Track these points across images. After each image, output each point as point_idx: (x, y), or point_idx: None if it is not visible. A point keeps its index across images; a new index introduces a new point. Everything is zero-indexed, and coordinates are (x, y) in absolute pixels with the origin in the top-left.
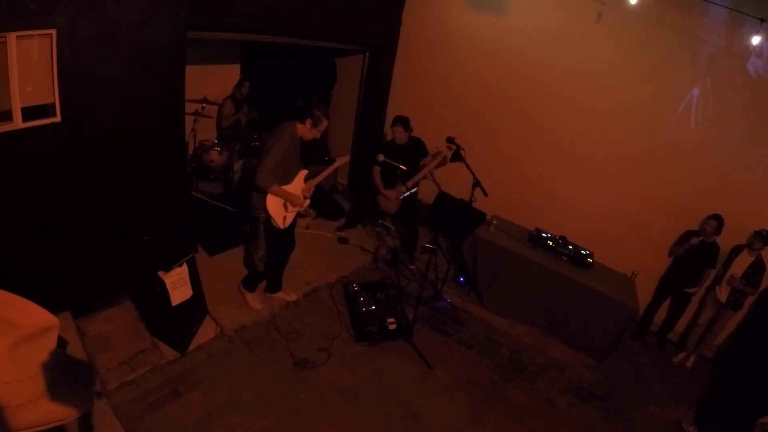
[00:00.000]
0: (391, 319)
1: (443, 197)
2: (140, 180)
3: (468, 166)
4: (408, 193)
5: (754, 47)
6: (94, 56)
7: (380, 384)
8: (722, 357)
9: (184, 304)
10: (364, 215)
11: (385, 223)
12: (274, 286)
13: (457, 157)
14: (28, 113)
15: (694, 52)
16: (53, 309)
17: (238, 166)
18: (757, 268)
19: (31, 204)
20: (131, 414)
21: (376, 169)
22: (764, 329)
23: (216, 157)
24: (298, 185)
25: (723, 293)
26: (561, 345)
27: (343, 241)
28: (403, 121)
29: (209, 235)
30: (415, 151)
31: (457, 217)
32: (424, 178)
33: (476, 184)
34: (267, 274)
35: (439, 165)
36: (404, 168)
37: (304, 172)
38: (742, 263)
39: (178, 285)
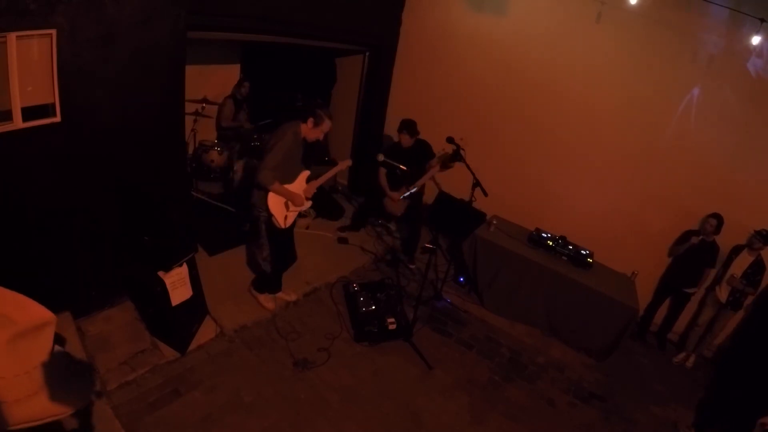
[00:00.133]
0: (391, 319)
1: (443, 197)
2: (140, 180)
3: (468, 166)
4: (408, 193)
5: (754, 47)
6: (94, 56)
7: (380, 384)
8: (722, 357)
9: (184, 304)
10: (370, 218)
11: (385, 223)
12: (278, 286)
13: (457, 157)
14: (28, 113)
15: (694, 52)
16: (53, 309)
17: (238, 166)
18: (757, 268)
19: (31, 204)
20: (131, 414)
21: (382, 170)
22: (764, 329)
23: (216, 157)
24: (300, 186)
25: (723, 293)
26: (561, 345)
27: (343, 241)
28: (409, 128)
29: (209, 235)
30: (421, 154)
31: (457, 217)
32: (429, 179)
33: (476, 184)
34: (273, 274)
35: (445, 167)
36: (404, 168)
37: (306, 173)
38: (742, 263)
39: (178, 285)
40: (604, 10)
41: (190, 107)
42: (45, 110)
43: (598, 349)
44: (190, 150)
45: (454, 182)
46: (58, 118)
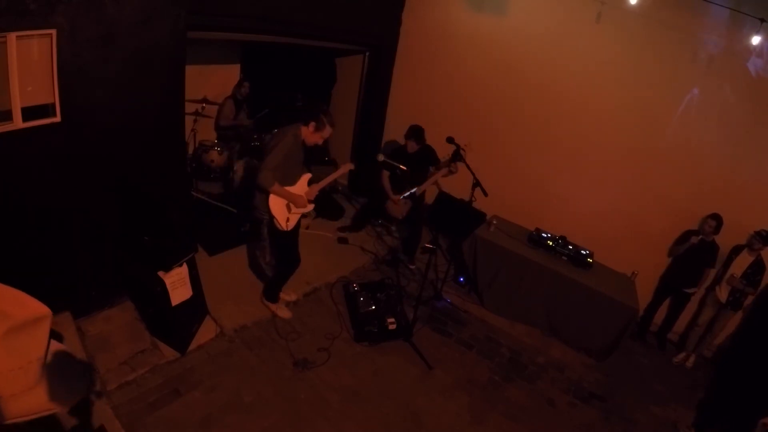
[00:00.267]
0: (391, 319)
1: (443, 197)
2: (140, 180)
3: (468, 166)
4: (408, 193)
5: (754, 47)
6: (94, 56)
7: (380, 384)
8: (722, 357)
9: (184, 304)
10: (371, 219)
11: (386, 224)
12: (270, 295)
13: (457, 157)
14: (28, 113)
15: (694, 52)
16: (53, 309)
17: (238, 166)
18: (757, 268)
19: (31, 204)
20: (131, 414)
21: (385, 173)
22: (764, 329)
23: (216, 157)
24: (301, 188)
25: (723, 293)
26: (561, 345)
27: (343, 241)
28: (417, 136)
29: (209, 235)
30: (425, 159)
31: (457, 217)
32: (434, 183)
33: (476, 184)
34: (279, 278)
35: (449, 173)
36: (404, 168)
37: (307, 176)
38: (742, 263)
39: (178, 285)
40: (604, 10)
41: (190, 107)
42: (45, 110)
43: (598, 349)
44: (190, 150)
45: (454, 182)
46: (58, 118)
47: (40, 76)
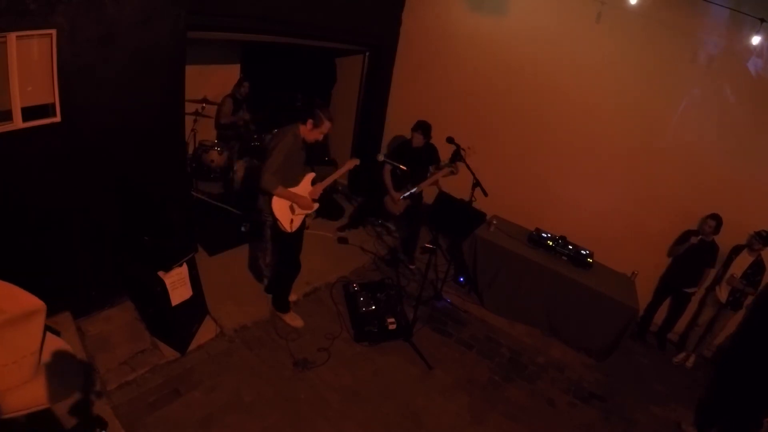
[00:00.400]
0: (391, 319)
1: (443, 197)
2: (140, 180)
3: (468, 166)
4: (408, 193)
5: (754, 47)
6: (94, 56)
7: (380, 384)
8: (722, 357)
9: (184, 304)
10: (368, 217)
11: (385, 223)
12: (276, 285)
13: (457, 157)
14: (28, 113)
15: (694, 52)
16: (53, 309)
17: (238, 166)
18: (756, 268)
19: (31, 204)
20: (131, 414)
21: (387, 168)
22: (764, 329)
23: (216, 157)
24: (305, 188)
25: (723, 293)
26: (561, 345)
27: (343, 241)
28: (424, 130)
29: (209, 235)
30: (427, 157)
31: (457, 217)
32: (434, 184)
33: (476, 184)
34: (279, 280)
35: (449, 173)
36: (404, 168)
37: (311, 175)
38: (742, 263)
39: (178, 285)
40: (604, 10)
41: (190, 107)
42: (45, 110)
43: (598, 349)
44: (190, 150)
45: (454, 182)
46: (58, 118)
47: (40, 76)
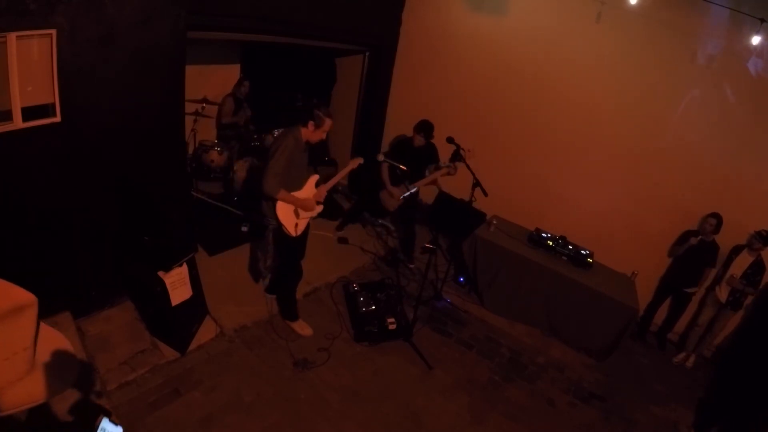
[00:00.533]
0: (391, 319)
1: (443, 197)
2: (140, 180)
3: (468, 166)
4: (408, 193)
5: (754, 47)
6: (94, 56)
7: (380, 384)
8: (722, 357)
9: (184, 304)
10: (363, 214)
11: (385, 223)
12: (277, 288)
13: (457, 157)
14: (28, 113)
15: (694, 52)
16: (53, 309)
17: (238, 166)
18: (756, 268)
19: (31, 204)
20: (131, 414)
21: (385, 165)
22: (764, 329)
23: (216, 157)
24: (309, 191)
25: (723, 293)
26: (561, 345)
27: (343, 241)
28: (426, 131)
29: (209, 235)
30: (426, 156)
31: (457, 217)
32: (430, 183)
33: (476, 184)
34: (282, 287)
35: (447, 174)
36: (404, 168)
37: (315, 177)
38: (741, 263)
39: (178, 285)
40: (604, 10)
41: (190, 107)
42: (45, 110)
43: (598, 349)
44: (190, 150)
45: (454, 182)
46: (58, 118)
47: (40, 76)
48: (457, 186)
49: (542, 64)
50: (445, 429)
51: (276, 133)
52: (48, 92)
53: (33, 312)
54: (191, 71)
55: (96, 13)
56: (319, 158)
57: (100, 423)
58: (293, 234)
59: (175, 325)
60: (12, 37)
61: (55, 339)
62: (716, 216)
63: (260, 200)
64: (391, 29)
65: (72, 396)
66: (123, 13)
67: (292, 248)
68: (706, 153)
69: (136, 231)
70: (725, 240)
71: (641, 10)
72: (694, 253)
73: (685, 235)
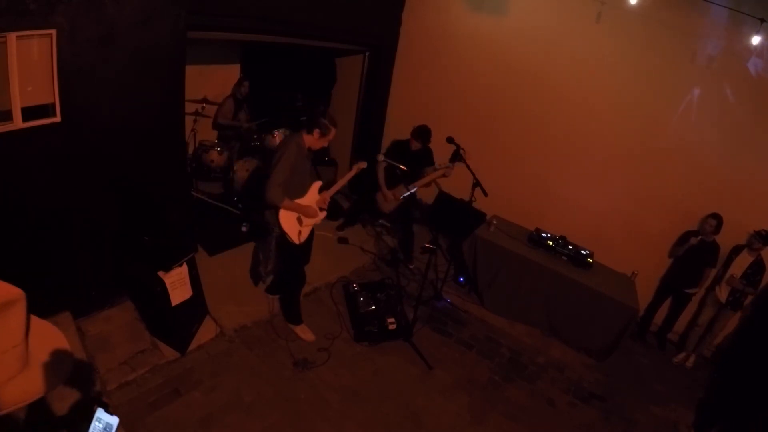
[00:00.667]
0: (391, 319)
1: (443, 197)
2: (140, 180)
3: (468, 166)
4: (408, 193)
5: (754, 47)
6: (94, 56)
7: (380, 384)
8: (722, 357)
9: (184, 304)
10: (363, 214)
11: (385, 223)
12: (278, 290)
13: (457, 157)
14: (28, 113)
15: (694, 52)
16: (53, 309)
17: (238, 166)
18: (756, 268)
19: (31, 204)
20: (131, 414)
21: (381, 165)
22: (764, 329)
23: (216, 157)
24: (312, 197)
25: (723, 293)
26: (561, 345)
27: (343, 241)
28: (423, 137)
29: (209, 235)
30: (423, 159)
31: (457, 217)
32: (427, 185)
33: (476, 184)
34: (286, 293)
35: (443, 175)
36: (404, 168)
37: (318, 184)
38: (741, 263)
39: (178, 285)
40: (604, 10)
41: (190, 107)
42: (45, 110)
43: (598, 349)
44: (190, 150)
45: (454, 182)
46: (58, 118)
47: (40, 76)
48: (457, 186)
49: (542, 64)
50: (445, 429)
51: (276, 133)
52: (48, 92)
53: (21, 307)
54: (191, 71)
55: (96, 13)
56: (319, 158)
57: (95, 413)
58: (297, 242)
59: (175, 325)
60: (12, 37)
61: (46, 332)
62: (716, 217)
63: (263, 209)
64: (391, 29)
65: (72, 395)
66: (123, 13)
67: (295, 256)
68: (706, 153)
69: (136, 231)
70: (725, 240)
71: (641, 10)
72: (694, 254)
73: (686, 236)
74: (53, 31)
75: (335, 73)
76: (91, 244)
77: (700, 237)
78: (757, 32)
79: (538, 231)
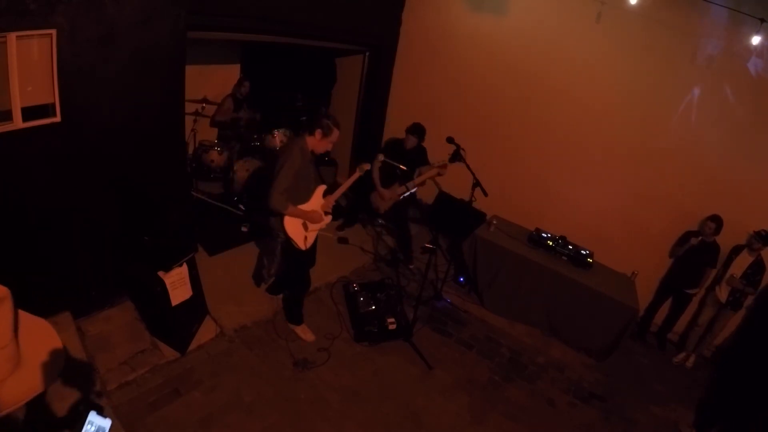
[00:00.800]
0: (391, 319)
1: (443, 197)
2: (140, 180)
3: (468, 166)
4: (408, 193)
5: (754, 47)
6: (94, 56)
7: (380, 384)
8: (722, 357)
9: (184, 304)
10: (361, 213)
11: (385, 223)
12: (279, 291)
13: (457, 157)
14: (28, 113)
15: (694, 52)
16: (53, 309)
17: (238, 166)
18: (756, 268)
19: (31, 204)
20: (131, 414)
21: (376, 164)
22: (764, 329)
23: (216, 157)
24: (317, 202)
25: (723, 293)
26: (561, 345)
27: (343, 241)
28: (419, 133)
29: (209, 235)
30: (417, 157)
31: (457, 217)
32: (421, 184)
33: (476, 184)
34: (290, 296)
35: (437, 175)
36: (404, 168)
37: (322, 188)
38: (741, 263)
39: (178, 285)
40: (604, 10)
41: (190, 107)
42: (45, 110)
43: (598, 349)
44: (190, 150)
45: (454, 182)
46: (58, 118)
47: (40, 76)
48: (457, 186)
49: (542, 64)
50: (445, 429)
51: (276, 133)
52: (48, 92)
53: (7, 307)
54: (191, 71)
55: (96, 13)
56: (319, 159)
57: (87, 415)
58: (303, 248)
59: (175, 325)
60: (12, 37)
61: (35, 327)
62: (716, 219)
63: (267, 215)
64: (391, 29)
65: (72, 395)
66: (123, 13)
67: (301, 261)
68: (706, 153)
69: (136, 231)
70: (725, 240)
71: (641, 10)
72: (694, 254)
73: (686, 236)
74: (53, 31)
75: (335, 73)
76: (91, 244)
77: (700, 237)
78: (757, 32)
79: (538, 231)
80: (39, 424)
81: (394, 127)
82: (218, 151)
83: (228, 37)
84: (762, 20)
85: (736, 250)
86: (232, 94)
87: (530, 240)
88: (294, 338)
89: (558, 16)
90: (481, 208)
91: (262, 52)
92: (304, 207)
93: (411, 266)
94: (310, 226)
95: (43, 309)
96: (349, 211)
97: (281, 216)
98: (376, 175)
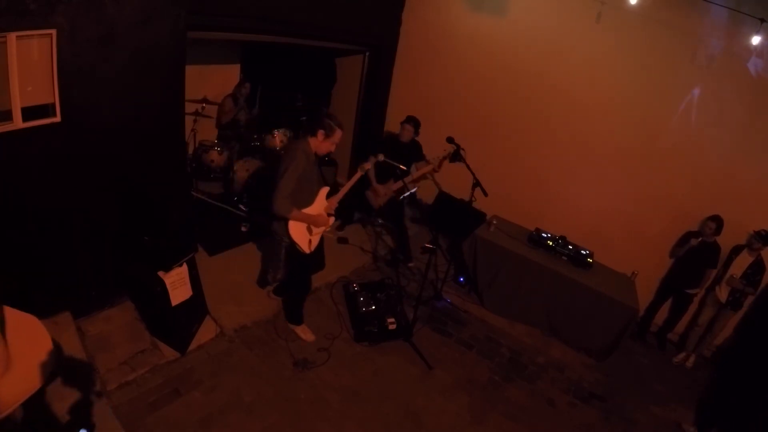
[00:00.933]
0: (391, 319)
1: (443, 197)
2: (140, 180)
3: (468, 166)
4: (409, 193)
5: (754, 47)
6: (94, 56)
7: (380, 384)
8: (722, 357)
9: (184, 304)
10: (356, 211)
11: (385, 223)
12: (283, 293)
13: (457, 156)
14: (28, 113)
15: (694, 52)
16: (53, 309)
17: (238, 166)
18: (756, 268)
19: (31, 204)
20: (131, 414)
21: (371, 161)
22: (764, 329)
23: (216, 157)
24: (320, 205)
25: (723, 293)
26: (561, 345)
27: (343, 241)
28: (415, 123)
29: (209, 235)
30: (412, 153)
31: (457, 217)
32: (423, 178)
33: (476, 184)
34: (290, 298)
35: (433, 171)
36: (404, 168)
37: (325, 190)
38: (741, 263)
39: (178, 285)
40: (604, 10)
41: (190, 107)
42: (45, 110)
43: (598, 349)
44: (190, 150)
45: (454, 182)
46: (58, 118)
47: (40, 76)
48: (457, 186)
49: (542, 64)
50: (445, 429)
51: (276, 133)
52: (48, 92)
53: None
54: (191, 71)
55: (96, 13)
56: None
57: None
58: (307, 251)
59: (175, 325)
60: (12, 37)
61: (25, 325)
62: (716, 219)
63: (271, 219)
64: (391, 29)
65: (71, 395)
66: (123, 13)
67: (305, 265)
68: (706, 153)
69: (136, 231)
70: (725, 240)
71: (641, 10)
72: (695, 254)
73: (686, 236)
74: (53, 31)
75: (335, 73)
76: (91, 244)
77: (700, 238)
78: (757, 32)
79: (538, 231)
80: (39, 424)
81: (394, 128)
82: (218, 151)
83: (228, 37)
84: (762, 20)
85: (736, 250)
86: (233, 94)
87: (530, 240)
88: (294, 338)
89: (558, 16)
90: (481, 208)
91: (262, 52)
92: (309, 210)
93: (410, 264)
94: (315, 229)
95: (43, 309)
96: (346, 209)
97: (285, 221)
98: (371, 172)
